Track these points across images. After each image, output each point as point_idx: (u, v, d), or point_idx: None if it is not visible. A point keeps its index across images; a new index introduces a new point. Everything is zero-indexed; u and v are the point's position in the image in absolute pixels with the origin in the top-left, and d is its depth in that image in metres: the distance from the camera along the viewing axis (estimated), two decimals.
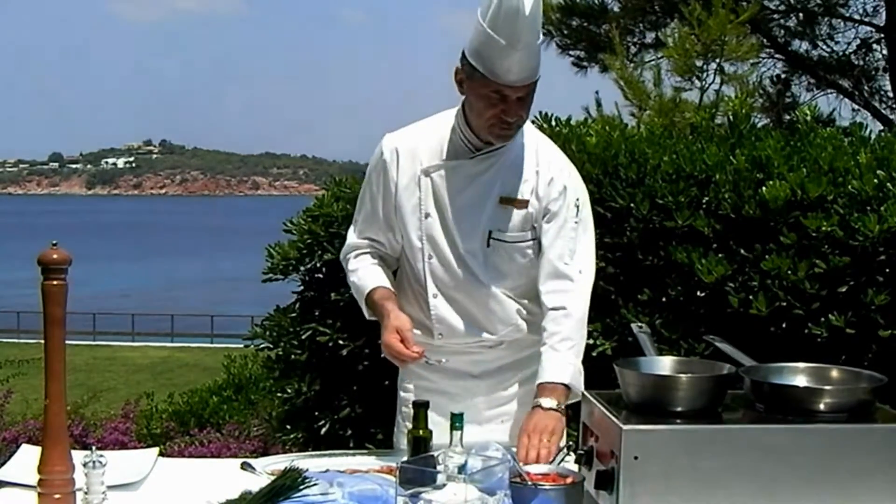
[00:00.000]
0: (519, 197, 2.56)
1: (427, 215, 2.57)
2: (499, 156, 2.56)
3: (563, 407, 2.44)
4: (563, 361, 2.48)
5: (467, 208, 2.56)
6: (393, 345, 2.49)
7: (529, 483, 2.02)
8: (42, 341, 2.05)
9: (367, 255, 2.70)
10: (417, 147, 2.59)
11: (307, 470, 2.13)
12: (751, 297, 3.39)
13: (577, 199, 2.60)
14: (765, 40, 12.33)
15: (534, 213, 2.57)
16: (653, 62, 10.25)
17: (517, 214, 2.56)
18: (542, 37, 2.48)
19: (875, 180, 3.39)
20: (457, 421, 2.15)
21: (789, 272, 3.35)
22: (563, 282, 2.54)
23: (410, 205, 2.59)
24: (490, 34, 2.38)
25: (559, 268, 2.54)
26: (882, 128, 9.91)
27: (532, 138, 2.62)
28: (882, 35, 13.03)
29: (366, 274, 2.66)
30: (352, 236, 2.73)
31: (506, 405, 2.66)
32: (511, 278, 2.60)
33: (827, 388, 2.20)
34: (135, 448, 4.81)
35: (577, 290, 2.55)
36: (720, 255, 3.45)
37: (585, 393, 2.34)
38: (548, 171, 2.58)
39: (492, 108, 2.45)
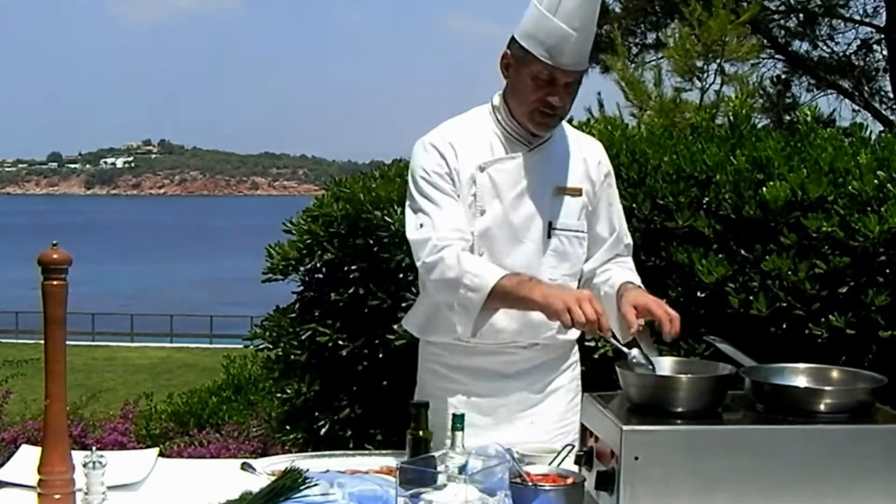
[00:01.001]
0: (572, 186, 2.58)
1: (482, 212, 2.52)
2: (547, 147, 2.58)
3: None
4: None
5: (527, 201, 2.53)
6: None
7: (529, 483, 2.02)
8: (41, 341, 2.05)
9: (460, 249, 2.44)
10: (466, 143, 2.54)
11: (307, 470, 2.13)
12: (751, 297, 3.39)
13: (611, 176, 2.71)
14: (765, 41, 12.35)
15: (587, 200, 2.61)
16: (653, 62, 10.28)
17: (572, 203, 2.58)
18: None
19: (875, 181, 3.40)
20: (458, 422, 2.14)
21: (790, 273, 3.35)
22: (625, 257, 2.72)
23: (466, 202, 2.52)
24: (548, 17, 2.39)
25: (621, 242, 2.70)
26: (882, 128, 9.91)
27: (565, 128, 2.67)
28: (882, 36, 13.06)
29: (482, 265, 2.43)
30: (433, 232, 2.45)
31: (537, 406, 2.62)
32: (567, 266, 2.59)
33: (827, 388, 2.19)
34: (134, 449, 4.81)
35: (631, 262, 2.74)
36: (721, 256, 3.45)
37: (587, 394, 2.33)
38: (593, 156, 2.65)
39: (539, 90, 2.45)
